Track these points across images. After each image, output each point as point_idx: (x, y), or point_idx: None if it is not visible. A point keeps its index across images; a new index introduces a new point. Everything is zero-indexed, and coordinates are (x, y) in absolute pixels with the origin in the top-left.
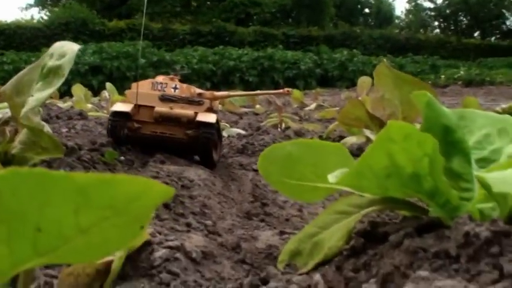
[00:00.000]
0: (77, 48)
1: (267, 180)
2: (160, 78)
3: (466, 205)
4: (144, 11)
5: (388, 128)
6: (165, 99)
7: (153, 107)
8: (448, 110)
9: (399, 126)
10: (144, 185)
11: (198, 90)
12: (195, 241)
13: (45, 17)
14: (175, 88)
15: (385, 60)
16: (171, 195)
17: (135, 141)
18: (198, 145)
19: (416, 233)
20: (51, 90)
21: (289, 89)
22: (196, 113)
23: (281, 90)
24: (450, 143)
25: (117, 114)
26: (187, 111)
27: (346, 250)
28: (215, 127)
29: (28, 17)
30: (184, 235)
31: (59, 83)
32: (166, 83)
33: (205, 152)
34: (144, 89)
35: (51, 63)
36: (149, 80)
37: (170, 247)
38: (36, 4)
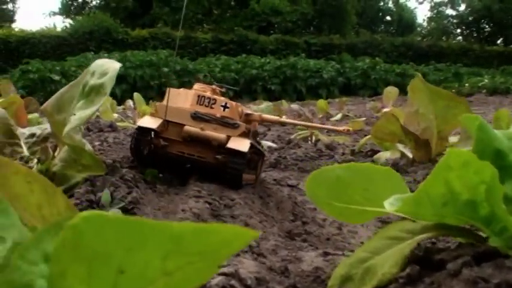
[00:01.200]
0: (118, 67)
1: (315, 203)
2: (199, 88)
3: None
4: (180, 20)
5: (447, 156)
6: (197, 117)
7: (183, 125)
8: (499, 132)
9: (458, 153)
10: (235, 232)
11: (247, 111)
12: (246, 266)
13: (69, 26)
14: (225, 107)
15: (419, 74)
16: (257, 237)
17: (160, 161)
18: (227, 173)
19: (474, 261)
20: (93, 108)
21: (350, 129)
22: (229, 137)
23: (341, 128)
24: (503, 167)
25: (142, 130)
26: (218, 134)
27: (401, 278)
28: (246, 156)
29: (51, 25)
30: (235, 260)
31: (100, 101)
32: (215, 100)
33: (233, 181)
34: (186, 101)
35: (92, 81)
36: (193, 91)
37: (225, 274)
38: (61, 12)
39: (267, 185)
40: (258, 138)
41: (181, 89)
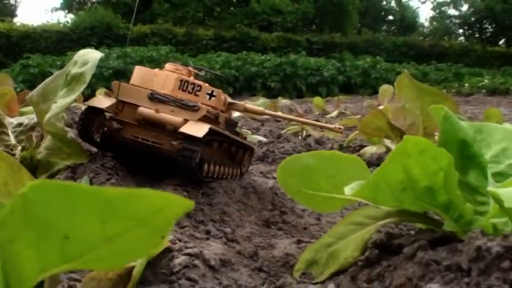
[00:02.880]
0: (99, 56)
1: (285, 190)
2: (172, 68)
3: (479, 219)
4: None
5: (404, 143)
6: (154, 98)
7: (138, 106)
8: (465, 123)
9: (415, 140)
10: (166, 199)
11: (230, 100)
12: (213, 249)
13: (70, 21)
14: (211, 95)
15: (406, 70)
16: (191, 207)
17: (115, 146)
18: (178, 162)
19: (430, 245)
20: (73, 96)
21: (341, 127)
22: (186, 121)
23: (333, 126)
24: (467, 157)
25: (91, 110)
26: (174, 118)
27: (361, 261)
28: (202, 142)
29: (54, 20)
30: (204, 243)
31: (80, 89)
32: (200, 86)
33: (186, 171)
34: (165, 85)
35: (74, 70)
36: (176, 75)
37: (190, 254)
38: (62, 7)
39: (252, 177)
40: (238, 130)
41: (158, 70)
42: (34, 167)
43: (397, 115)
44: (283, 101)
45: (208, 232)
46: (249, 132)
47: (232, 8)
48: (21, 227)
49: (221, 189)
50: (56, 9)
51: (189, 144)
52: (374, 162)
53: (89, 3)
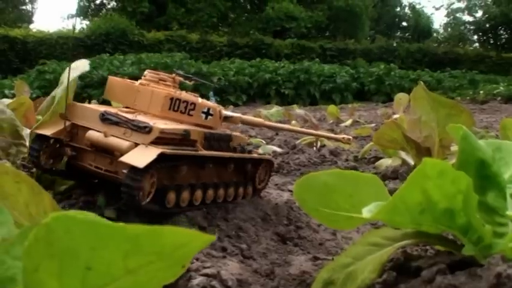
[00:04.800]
0: (75, 75)
1: (302, 208)
2: (152, 77)
3: (499, 243)
4: None
5: (423, 165)
6: (105, 118)
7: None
8: (483, 143)
9: (434, 163)
10: (189, 235)
11: (226, 113)
12: (230, 268)
13: (85, 28)
14: (207, 114)
15: (421, 82)
16: (213, 240)
17: (75, 174)
18: (121, 195)
19: (449, 269)
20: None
21: (350, 137)
22: (136, 145)
23: (341, 137)
24: (486, 177)
25: (39, 137)
26: (121, 142)
27: (378, 283)
28: (143, 174)
29: (70, 27)
30: (220, 261)
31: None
32: (194, 104)
33: (128, 206)
34: (153, 105)
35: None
36: (164, 92)
37: (207, 275)
38: (78, 14)
39: (267, 189)
40: (244, 146)
41: (139, 84)
42: (52, 180)
43: (413, 127)
44: (298, 111)
45: (224, 249)
46: (263, 141)
47: (246, 14)
48: (44, 256)
49: (237, 203)
50: (72, 16)
51: (129, 176)
52: (390, 175)
53: (104, 10)
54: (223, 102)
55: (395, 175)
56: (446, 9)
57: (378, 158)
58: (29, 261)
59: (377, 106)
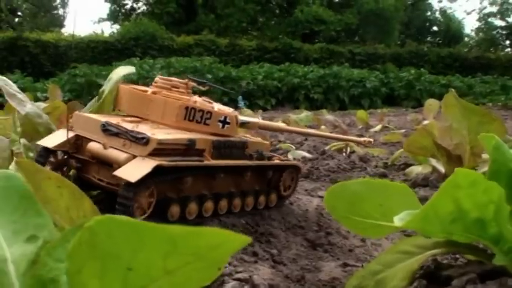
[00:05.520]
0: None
1: (332, 215)
2: (163, 84)
3: None
4: None
5: (455, 175)
6: (106, 129)
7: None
8: None
9: (466, 173)
10: (225, 236)
11: (242, 118)
12: (262, 273)
13: (116, 32)
14: (224, 122)
15: (453, 90)
16: (248, 242)
17: (84, 186)
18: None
19: (479, 279)
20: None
21: (371, 140)
22: (134, 157)
23: (362, 139)
24: None
25: (43, 150)
26: (118, 154)
27: None
28: (136, 188)
29: (99, 31)
30: (252, 266)
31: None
32: (210, 113)
33: None
34: (167, 115)
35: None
36: (179, 103)
37: (239, 279)
38: (109, 18)
39: (297, 194)
40: (263, 152)
41: (151, 92)
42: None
43: (444, 135)
44: (328, 116)
45: (255, 254)
46: (293, 147)
47: (275, 18)
48: (87, 258)
49: (267, 208)
50: (103, 20)
51: (123, 191)
52: (420, 183)
53: (134, 15)
54: (252, 106)
55: (425, 182)
56: (478, 13)
57: (408, 165)
58: (73, 263)
59: (407, 111)
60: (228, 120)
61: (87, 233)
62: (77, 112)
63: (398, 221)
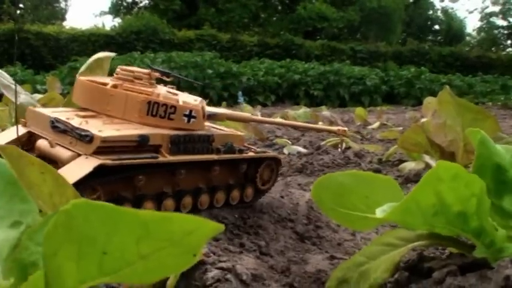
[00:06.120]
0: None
1: (320, 207)
2: (124, 74)
3: (510, 247)
4: None
5: (437, 168)
6: (54, 126)
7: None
8: (501, 147)
9: (448, 166)
10: (198, 222)
11: (210, 110)
12: (246, 263)
13: (117, 25)
14: (190, 116)
15: (447, 86)
16: (222, 230)
17: None
18: None
19: (459, 271)
20: None
21: (346, 129)
22: (78, 155)
23: (336, 128)
24: (502, 181)
25: None
26: (63, 152)
27: (390, 283)
28: (84, 186)
29: (100, 24)
30: (237, 256)
31: None
32: (174, 107)
33: None
34: (128, 110)
35: None
36: (142, 97)
37: (222, 268)
38: (110, 12)
39: (290, 189)
40: (232, 145)
41: (111, 86)
42: None
43: (438, 131)
44: (324, 112)
45: (242, 245)
46: (289, 142)
47: (277, 14)
48: (63, 241)
49: (258, 201)
50: (104, 13)
51: None
52: (412, 179)
53: (136, 8)
54: (252, 102)
55: (418, 178)
56: (480, 13)
57: (402, 161)
58: (49, 246)
59: (406, 109)
60: (193, 114)
61: (64, 216)
62: (30, 107)
63: (380, 212)
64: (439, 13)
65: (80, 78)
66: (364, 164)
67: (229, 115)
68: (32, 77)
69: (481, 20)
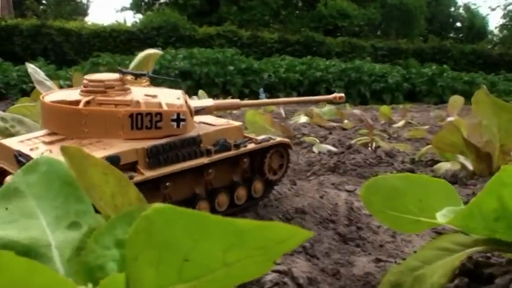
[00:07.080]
0: None
1: (369, 210)
2: (92, 83)
3: None
4: None
5: (501, 172)
6: (18, 161)
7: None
8: None
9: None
10: (292, 231)
11: (197, 105)
12: (300, 266)
13: (138, 21)
14: (178, 120)
15: (484, 86)
16: (310, 237)
17: None
18: None
19: None
20: None
21: (342, 95)
22: None
23: (331, 96)
24: None
25: None
26: None
27: None
28: None
29: (121, 20)
30: (289, 259)
31: None
32: (159, 114)
33: None
34: (113, 127)
35: None
36: (122, 111)
37: (279, 271)
38: (131, 8)
39: (325, 188)
40: (226, 141)
41: (83, 105)
42: None
43: (473, 132)
44: (354, 110)
45: None
46: (317, 140)
47: (298, 12)
48: (144, 246)
49: (297, 200)
50: (126, 9)
51: None
52: (449, 179)
53: (157, 4)
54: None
55: (454, 180)
56: (503, 10)
57: (435, 161)
58: (130, 250)
59: (429, 108)
60: (181, 116)
61: (144, 221)
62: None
63: (441, 217)
64: (461, 10)
65: (45, 101)
66: (396, 164)
67: (218, 105)
68: (54, 73)
69: (504, 17)
